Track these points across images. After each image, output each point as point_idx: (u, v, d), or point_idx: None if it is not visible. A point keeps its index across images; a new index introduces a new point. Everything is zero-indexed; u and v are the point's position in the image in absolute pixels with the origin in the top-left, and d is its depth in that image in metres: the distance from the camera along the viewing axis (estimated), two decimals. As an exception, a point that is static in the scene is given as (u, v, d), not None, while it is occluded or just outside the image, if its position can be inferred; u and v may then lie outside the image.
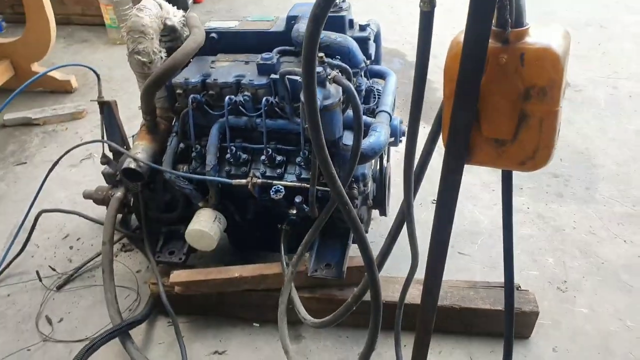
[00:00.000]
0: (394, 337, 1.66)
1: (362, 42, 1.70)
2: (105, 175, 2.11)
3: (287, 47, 1.75)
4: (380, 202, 1.87)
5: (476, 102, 0.76)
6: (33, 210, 2.11)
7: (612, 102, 3.21)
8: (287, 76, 1.52)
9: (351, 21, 1.75)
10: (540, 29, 0.76)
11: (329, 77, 1.36)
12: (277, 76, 1.57)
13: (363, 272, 1.77)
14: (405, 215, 1.24)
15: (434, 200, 2.57)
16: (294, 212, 1.71)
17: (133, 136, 2.04)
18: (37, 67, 3.35)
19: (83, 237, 2.29)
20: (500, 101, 0.76)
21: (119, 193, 1.86)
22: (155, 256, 1.87)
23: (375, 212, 2.04)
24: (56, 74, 3.37)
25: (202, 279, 1.75)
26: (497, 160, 0.83)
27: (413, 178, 1.07)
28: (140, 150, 1.75)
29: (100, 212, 2.22)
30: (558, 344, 1.83)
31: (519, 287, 1.85)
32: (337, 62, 1.49)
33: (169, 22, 1.77)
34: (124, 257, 2.19)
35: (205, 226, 1.71)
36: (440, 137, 0.93)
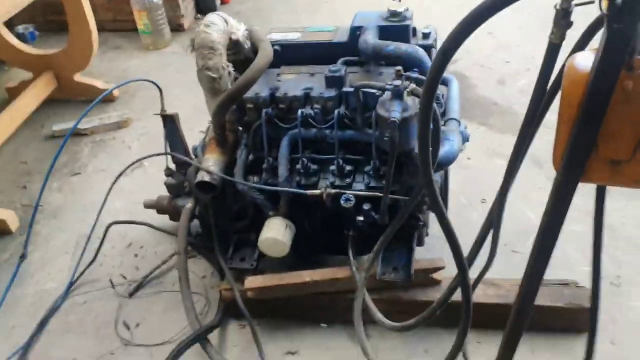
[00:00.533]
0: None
1: (428, 50, 1.75)
2: (168, 186, 2.19)
3: (351, 58, 1.81)
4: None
5: (599, 128, 0.82)
6: (99, 220, 2.20)
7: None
8: (361, 89, 1.58)
9: (414, 29, 1.80)
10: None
11: (407, 89, 1.42)
12: (350, 89, 1.63)
13: (428, 275, 1.86)
14: (494, 222, 1.31)
15: (483, 199, 2.61)
16: (361, 218, 1.78)
17: (193, 147, 2.12)
18: (80, 77, 3.43)
19: (146, 245, 2.38)
20: (623, 125, 0.82)
21: (189, 204, 1.94)
22: (227, 263, 1.95)
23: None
24: (97, 83, 3.46)
25: (275, 284, 1.83)
26: (611, 179, 0.89)
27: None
28: (212, 163, 1.83)
29: (160, 220, 2.31)
30: (615, 338, 1.88)
31: (577, 283, 1.91)
32: (415, 74, 1.54)
33: (234, 37, 1.83)
34: (188, 263, 2.27)
35: (277, 234, 1.79)
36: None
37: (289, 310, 1.96)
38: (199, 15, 4.62)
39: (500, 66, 3.52)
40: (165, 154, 2.05)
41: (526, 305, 1.13)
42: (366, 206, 1.73)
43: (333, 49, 1.85)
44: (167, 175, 2.15)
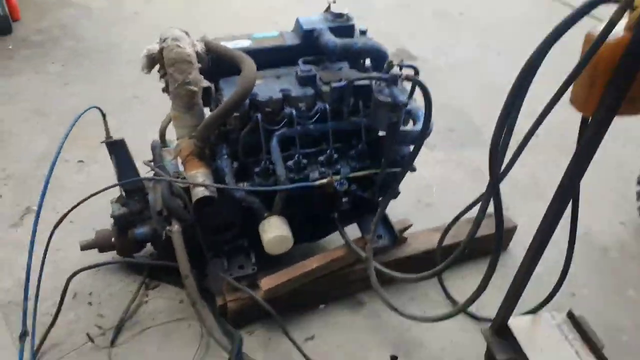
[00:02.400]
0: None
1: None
2: (118, 217, 2.02)
3: (308, 57, 1.97)
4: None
5: (630, 87, 1.23)
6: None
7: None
8: (355, 82, 1.78)
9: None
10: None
11: (402, 77, 1.69)
12: (341, 83, 1.80)
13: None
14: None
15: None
16: (346, 199, 1.99)
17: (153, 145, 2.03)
18: None
19: (95, 291, 2.12)
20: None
21: (176, 227, 1.84)
22: (227, 274, 1.93)
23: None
24: None
25: (288, 278, 1.92)
26: (627, 110, 1.30)
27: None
28: (203, 178, 1.79)
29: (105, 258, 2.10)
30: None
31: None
32: (405, 64, 1.79)
33: (196, 49, 1.81)
34: (155, 293, 2.13)
35: (282, 231, 1.87)
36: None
37: (291, 302, 2.05)
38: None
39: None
40: (126, 182, 1.89)
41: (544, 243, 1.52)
42: (353, 187, 1.96)
43: (288, 52, 1.99)
44: (123, 204, 1.98)
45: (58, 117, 3.20)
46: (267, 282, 1.89)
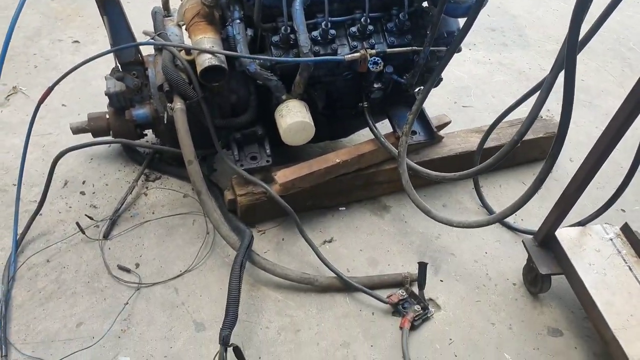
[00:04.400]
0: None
1: None
2: (114, 95, 1.74)
3: None
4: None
5: None
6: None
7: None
8: None
9: None
10: None
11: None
12: None
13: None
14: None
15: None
16: (378, 85, 1.69)
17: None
18: None
19: (88, 180, 1.89)
20: None
21: (178, 104, 1.56)
22: (238, 165, 1.68)
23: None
24: None
25: (307, 172, 1.66)
26: None
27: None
28: (211, 45, 1.49)
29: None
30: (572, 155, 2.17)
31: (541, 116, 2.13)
32: None
33: None
34: (157, 186, 1.90)
35: (305, 116, 1.59)
36: None
37: (308, 201, 1.81)
38: None
39: None
40: (124, 47, 1.59)
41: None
42: (389, 69, 1.65)
43: None
44: (119, 78, 1.69)
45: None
46: (284, 175, 1.64)
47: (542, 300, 1.66)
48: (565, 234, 1.66)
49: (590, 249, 1.64)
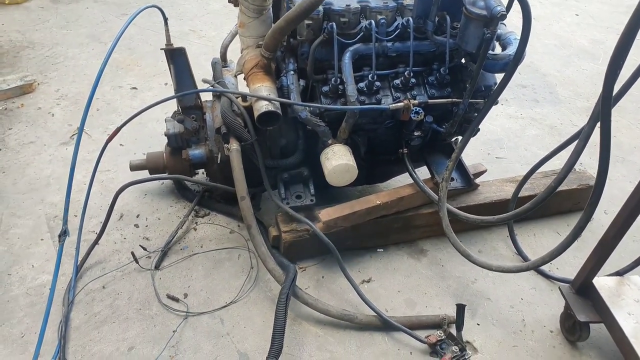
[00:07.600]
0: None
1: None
2: (173, 136, 1.89)
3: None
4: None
5: None
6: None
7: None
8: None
9: None
10: None
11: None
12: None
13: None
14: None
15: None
16: (418, 133, 1.80)
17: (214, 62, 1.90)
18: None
19: (142, 214, 2.02)
20: None
21: (234, 145, 1.70)
22: (284, 202, 1.78)
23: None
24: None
25: (349, 212, 1.75)
26: None
27: None
28: (268, 92, 1.63)
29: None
30: (607, 208, 2.21)
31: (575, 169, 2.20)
32: None
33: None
34: (205, 221, 2.01)
35: (349, 159, 1.70)
36: None
37: (349, 240, 1.89)
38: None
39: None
40: (187, 94, 1.75)
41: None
42: (429, 119, 1.76)
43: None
44: (180, 121, 1.85)
45: (113, 44, 3.10)
46: (327, 214, 1.73)
47: (581, 349, 1.67)
48: (603, 283, 1.68)
49: (629, 299, 1.65)
